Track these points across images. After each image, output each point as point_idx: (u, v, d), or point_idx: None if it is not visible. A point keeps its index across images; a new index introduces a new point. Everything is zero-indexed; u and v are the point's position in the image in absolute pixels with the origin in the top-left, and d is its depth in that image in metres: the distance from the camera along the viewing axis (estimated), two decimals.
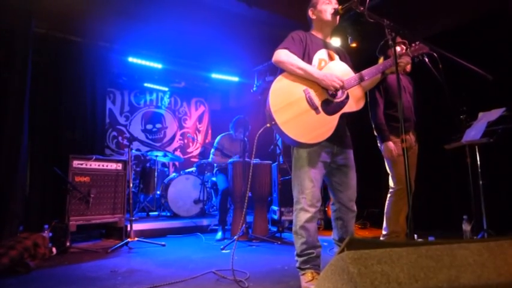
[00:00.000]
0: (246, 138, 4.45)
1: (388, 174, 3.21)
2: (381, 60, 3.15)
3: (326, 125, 2.11)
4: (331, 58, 2.34)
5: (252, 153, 2.44)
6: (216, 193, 5.59)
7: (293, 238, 2.26)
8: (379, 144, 3.17)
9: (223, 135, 5.01)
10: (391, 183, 3.16)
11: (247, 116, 4.71)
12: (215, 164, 4.96)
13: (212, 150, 4.93)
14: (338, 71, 2.24)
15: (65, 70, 5.05)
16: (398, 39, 2.87)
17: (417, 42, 2.31)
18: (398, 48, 2.76)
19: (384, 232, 3.18)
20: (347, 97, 2.21)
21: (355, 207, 2.32)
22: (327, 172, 2.29)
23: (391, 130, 3.08)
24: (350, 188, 2.29)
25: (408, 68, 3.21)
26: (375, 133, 3.18)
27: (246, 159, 4.23)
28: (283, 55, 2.16)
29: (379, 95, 3.13)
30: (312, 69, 2.16)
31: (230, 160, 4.51)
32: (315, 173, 2.19)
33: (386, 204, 3.16)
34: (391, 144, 3.01)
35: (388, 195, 3.16)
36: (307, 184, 2.18)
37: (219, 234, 4.30)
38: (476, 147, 3.36)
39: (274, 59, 2.20)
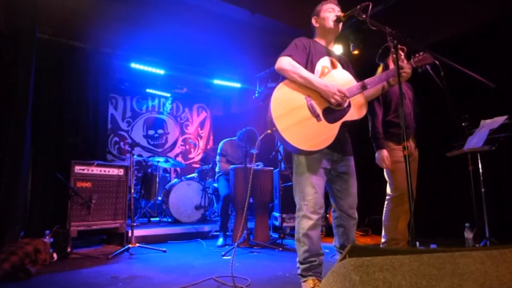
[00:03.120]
0: (254, 150, 4.43)
1: None
2: (381, 67, 3.16)
3: (327, 133, 2.10)
4: (333, 66, 2.33)
5: (253, 160, 2.44)
6: (217, 199, 5.57)
7: (295, 245, 2.24)
8: None
9: (225, 141, 4.98)
10: (388, 190, 3.14)
11: (249, 122, 4.69)
12: (217, 170, 4.94)
13: (218, 158, 4.88)
14: (340, 79, 2.24)
15: (68, 75, 5.08)
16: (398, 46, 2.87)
17: (421, 53, 2.29)
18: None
19: (383, 240, 3.15)
20: (349, 105, 2.20)
21: (356, 215, 2.30)
22: (328, 179, 2.29)
23: (391, 137, 3.05)
24: (351, 195, 2.28)
25: None
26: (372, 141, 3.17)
27: (248, 165, 4.23)
28: (285, 63, 2.15)
29: (377, 103, 3.10)
30: (314, 78, 2.14)
31: (232, 166, 4.50)
32: (316, 179, 2.18)
33: (384, 211, 3.14)
34: (384, 152, 2.97)
35: (386, 202, 3.14)
36: (309, 190, 2.16)
37: (220, 241, 4.28)
38: (478, 154, 3.36)
39: (277, 66, 2.19)
